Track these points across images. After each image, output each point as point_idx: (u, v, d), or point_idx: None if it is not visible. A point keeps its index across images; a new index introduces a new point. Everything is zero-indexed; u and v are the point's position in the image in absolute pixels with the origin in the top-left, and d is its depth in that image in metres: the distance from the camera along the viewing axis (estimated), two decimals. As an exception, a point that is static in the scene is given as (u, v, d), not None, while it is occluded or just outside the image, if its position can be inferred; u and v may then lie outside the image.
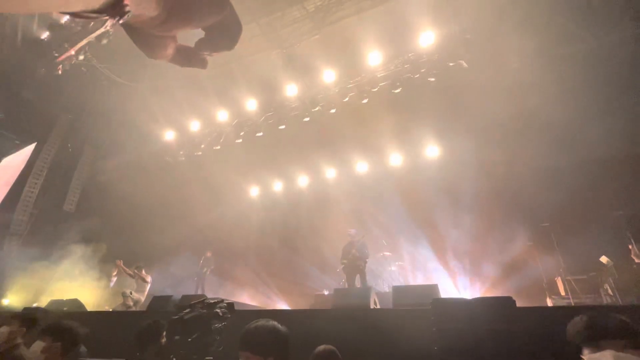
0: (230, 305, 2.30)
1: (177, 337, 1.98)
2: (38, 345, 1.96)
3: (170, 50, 0.54)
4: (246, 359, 1.44)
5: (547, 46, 7.56)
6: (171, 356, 1.95)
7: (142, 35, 0.51)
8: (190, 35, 0.58)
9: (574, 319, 1.35)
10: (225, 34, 0.55)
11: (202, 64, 0.59)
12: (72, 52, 8.39)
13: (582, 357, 1.23)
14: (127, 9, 0.43)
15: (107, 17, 0.43)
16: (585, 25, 7.35)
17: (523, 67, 7.69)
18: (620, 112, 6.85)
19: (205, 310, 2.20)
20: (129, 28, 0.50)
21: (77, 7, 0.40)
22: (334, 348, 2.34)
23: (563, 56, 7.51)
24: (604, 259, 5.95)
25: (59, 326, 2.04)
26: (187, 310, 2.21)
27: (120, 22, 0.45)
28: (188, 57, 0.58)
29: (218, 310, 2.21)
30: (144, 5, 0.46)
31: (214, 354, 1.95)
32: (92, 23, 8.87)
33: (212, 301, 2.29)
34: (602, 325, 1.24)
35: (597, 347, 1.20)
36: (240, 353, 1.47)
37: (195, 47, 0.57)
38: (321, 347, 2.33)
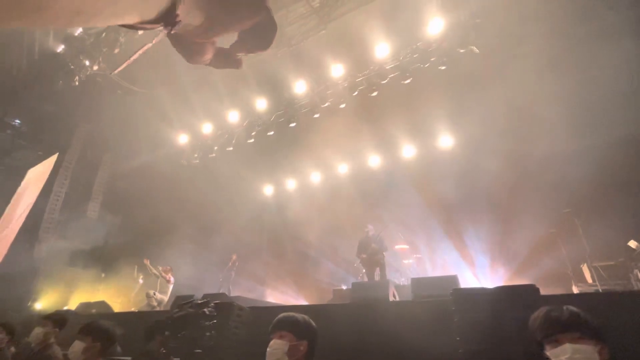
0: (218, 305, 2.52)
1: (167, 333, 2.22)
2: (78, 345, 2.01)
3: (209, 56, 0.57)
4: (280, 337, 1.50)
5: (565, 25, 7.24)
6: (161, 349, 2.16)
7: (184, 43, 0.53)
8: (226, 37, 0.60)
9: (533, 315, 1.32)
10: (260, 35, 0.57)
11: (237, 64, 0.62)
12: (125, 65, 8.63)
13: (546, 353, 1.21)
14: (178, 19, 0.46)
15: (160, 27, 0.46)
16: (605, 1, 7.00)
17: (539, 49, 7.41)
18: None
19: (192, 310, 2.42)
20: (172, 36, 0.52)
21: (134, 20, 0.43)
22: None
23: (582, 35, 7.18)
24: (633, 244, 5.70)
25: (97, 326, 2.10)
26: (177, 310, 2.47)
27: (172, 32, 0.47)
28: (224, 59, 0.60)
29: (205, 310, 2.41)
30: (192, 15, 0.48)
31: (204, 347, 2.17)
32: (104, 34, 9.12)
33: (201, 301, 2.54)
34: (557, 319, 1.22)
35: (555, 341, 1.19)
36: (275, 334, 1.52)
37: (231, 49, 0.59)
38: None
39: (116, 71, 8.76)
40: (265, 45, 0.58)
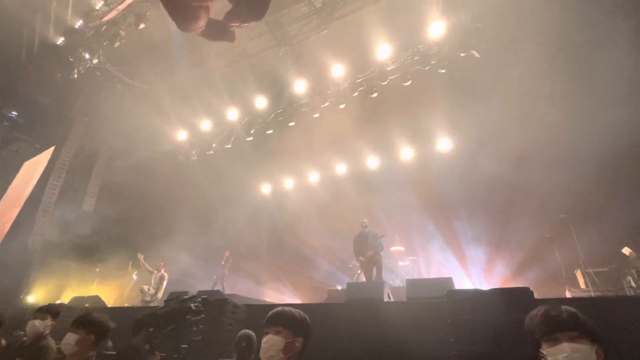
0: (205, 301, 2.51)
1: (151, 329, 2.24)
2: (71, 337, 1.99)
3: (202, 22, 0.55)
4: (277, 333, 1.46)
5: (563, 33, 7.31)
6: (146, 345, 2.15)
7: (177, 6, 0.52)
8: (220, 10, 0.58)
9: (530, 313, 1.32)
10: (255, 3, 0.55)
11: (231, 37, 0.60)
12: (115, 13, 8.35)
13: (542, 351, 1.22)
14: None
15: None
16: (603, 10, 7.08)
17: (538, 55, 7.46)
18: (642, 98, 6.58)
19: (178, 306, 2.41)
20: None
21: None
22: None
23: (580, 42, 7.25)
24: (626, 250, 5.75)
25: (91, 319, 2.09)
26: (161, 307, 2.45)
27: None
28: (217, 30, 0.58)
29: (192, 305, 2.39)
30: None
31: (190, 342, 2.18)
32: (105, 27, 9.07)
33: (186, 297, 2.55)
34: (556, 318, 1.22)
35: (554, 340, 1.19)
36: (270, 329, 1.48)
37: (224, 19, 0.57)
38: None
39: (98, 21, 8.39)
40: (260, 15, 0.56)
